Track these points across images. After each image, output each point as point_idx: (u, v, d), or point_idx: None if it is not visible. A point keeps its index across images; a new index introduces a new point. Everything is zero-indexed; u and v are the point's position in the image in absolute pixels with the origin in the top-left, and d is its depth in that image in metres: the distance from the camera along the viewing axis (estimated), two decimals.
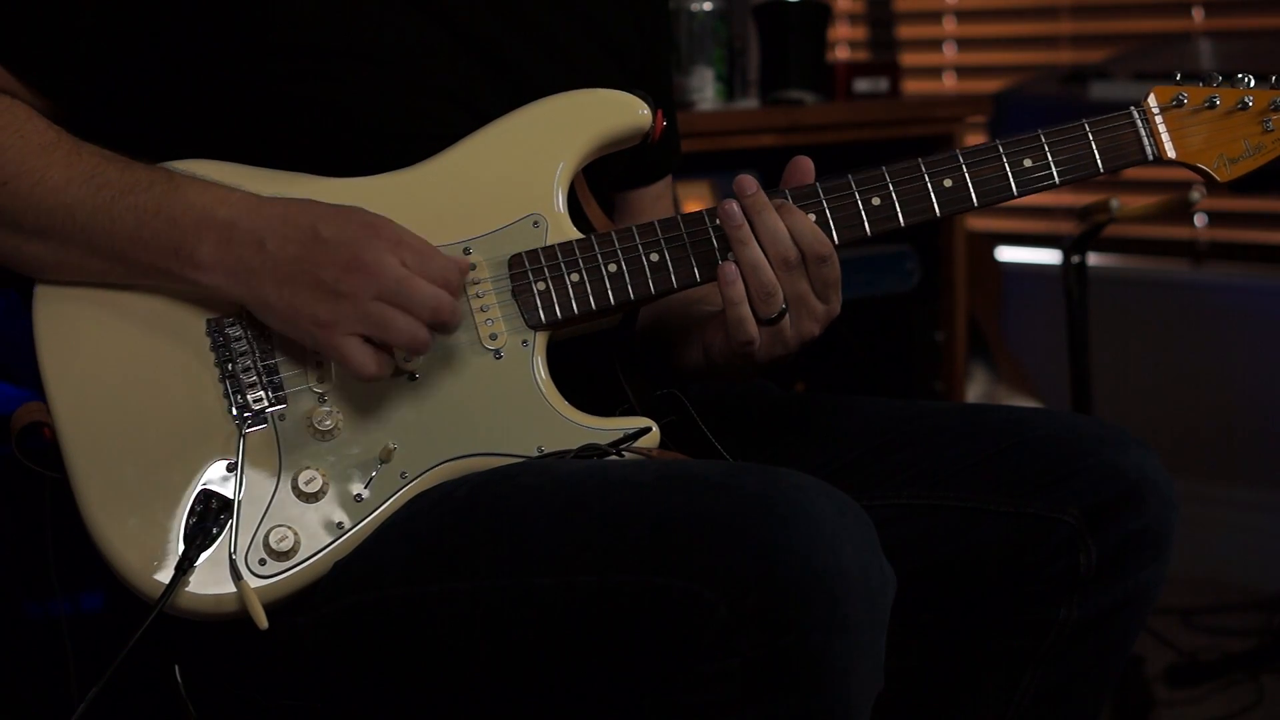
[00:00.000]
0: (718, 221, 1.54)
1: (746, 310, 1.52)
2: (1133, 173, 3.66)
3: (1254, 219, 3.71)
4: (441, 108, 1.56)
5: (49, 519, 1.50)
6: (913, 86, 3.78)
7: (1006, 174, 1.58)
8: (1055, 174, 1.59)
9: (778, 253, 1.51)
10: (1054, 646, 1.59)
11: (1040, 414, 1.66)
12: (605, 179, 1.67)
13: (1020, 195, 1.59)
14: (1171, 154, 1.61)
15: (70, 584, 1.57)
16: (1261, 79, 1.63)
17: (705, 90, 2.69)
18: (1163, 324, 3.71)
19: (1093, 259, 2.78)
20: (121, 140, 1.55)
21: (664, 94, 1.77)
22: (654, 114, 1.57)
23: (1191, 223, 3.74)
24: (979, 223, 3.89)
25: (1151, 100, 1.62)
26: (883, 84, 2.90)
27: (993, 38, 4.10)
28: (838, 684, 1.32)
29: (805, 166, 1.57)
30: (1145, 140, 1.61)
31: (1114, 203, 2.63)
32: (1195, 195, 2.55)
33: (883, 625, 1.36)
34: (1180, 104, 1.61)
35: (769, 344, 1.54)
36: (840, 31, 4.12)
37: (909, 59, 3.60)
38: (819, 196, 1.56)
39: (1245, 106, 1.61)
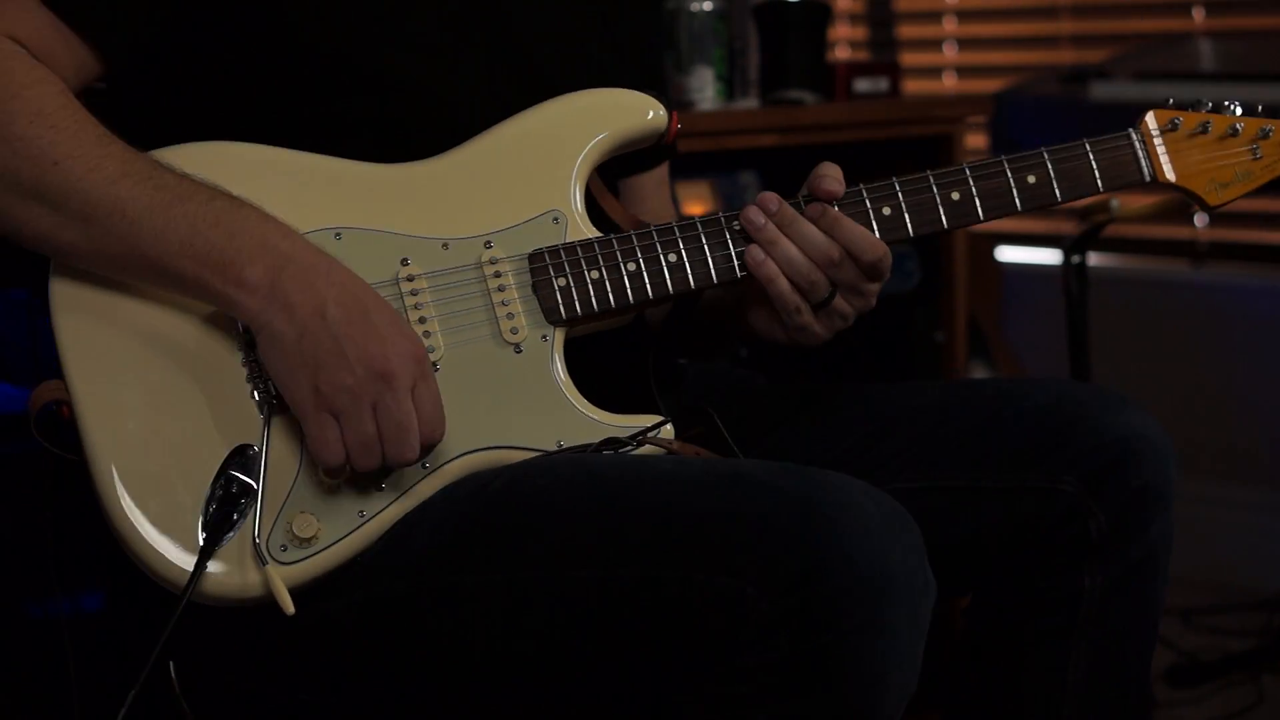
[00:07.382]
0: (736, 225, 1.57)
1: (786, 286, 1.56)
2: None
3: (1254, 219, 3.71)
4: (471, 101, 1.58)
5: (50, 519, 1.50)
6: (913, 86, 3.77)
7: (1011, 189, 1.62)
8: (1057, 192, 1.63)
9: (820, 255, 1.55)
10: (1088, 616, 1.60)
11: (1030, 384, 1.67)
12: (613, 170, 1.68)
13: (1024, 211, 1.63)
14: (1169, 176, 1.67)
15: (70, 584, 1.57)
16: (1249, 107, 1.68)
17: (705, 90, 2.69)
18: (1163, 324, 3.71)
19: (1093, 259, 2.78)
20: (156, 112, 1.56)
21: (664, 87, 1.81)
22: (669, 116, 1.60)
23: (1191, 223, 3.74)
24: None
25: (1150, 122, 1.67)
26: (883, 84, 2.89)
27: (993, 38, 4.10)
28: (873, 686, 1.33)
29: (835, 174, 1.58)
30: (1143, 162, 1.66)
31: (1114, 203, 2.63)
32: None
33: (923, 631, 1.36)
34: (1175, 128, 1.67)
35: (825, 322, 1.58)
36: (840, 31, 4.12)
37: (909, 59, 3.60)
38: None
39: (1235, 133, 1.68)
